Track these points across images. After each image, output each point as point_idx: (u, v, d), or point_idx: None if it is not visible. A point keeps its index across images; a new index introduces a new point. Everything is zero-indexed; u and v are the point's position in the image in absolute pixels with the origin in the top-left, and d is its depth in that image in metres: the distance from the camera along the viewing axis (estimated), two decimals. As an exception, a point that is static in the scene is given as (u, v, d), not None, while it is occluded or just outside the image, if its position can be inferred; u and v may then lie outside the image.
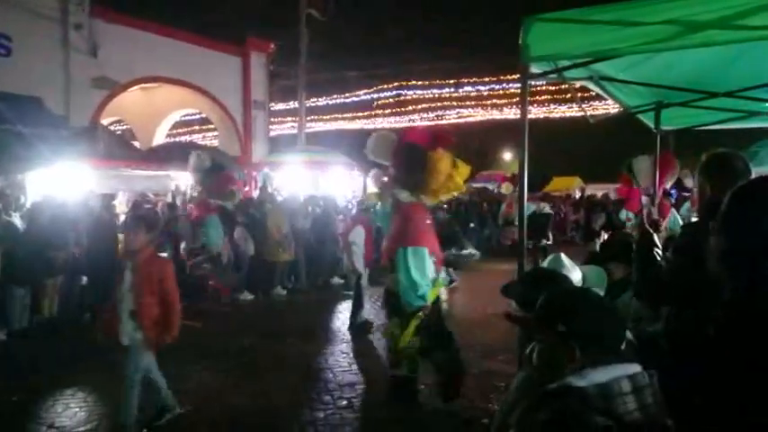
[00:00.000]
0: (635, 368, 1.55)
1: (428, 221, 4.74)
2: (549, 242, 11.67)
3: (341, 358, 6.59)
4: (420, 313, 4.41)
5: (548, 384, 1.56)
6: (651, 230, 2.67)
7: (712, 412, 2.16)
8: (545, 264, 2.52)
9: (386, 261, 4.61)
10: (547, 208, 12.13)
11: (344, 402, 5.27)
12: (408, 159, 4.59)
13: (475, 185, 21.35)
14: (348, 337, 7.53)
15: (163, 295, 4.29)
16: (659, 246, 2.60)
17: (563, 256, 2.51)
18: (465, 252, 9.56)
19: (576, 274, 2.45)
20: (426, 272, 4.37)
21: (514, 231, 16.64)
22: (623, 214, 8.06)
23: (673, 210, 7.57)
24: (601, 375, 1.49)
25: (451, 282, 9.88)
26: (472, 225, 16.12)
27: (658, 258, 2.54)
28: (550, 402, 1.49)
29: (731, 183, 2.09)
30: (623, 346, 1.61)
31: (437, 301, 4.75)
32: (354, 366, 6.34)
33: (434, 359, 4.68)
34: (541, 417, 1.49)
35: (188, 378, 5.85)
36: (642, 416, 1.46)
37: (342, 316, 8.59)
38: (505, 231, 17.22)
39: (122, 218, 10.22)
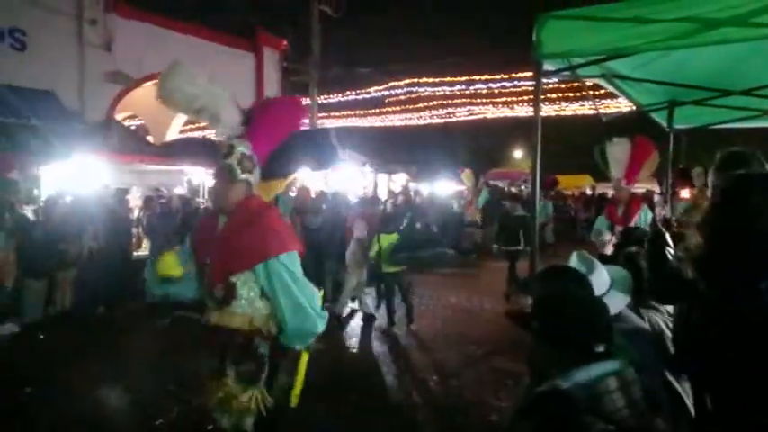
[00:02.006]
0: (621, 365, 1.56)
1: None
2: (521, 247, 9.69)
3: (349, 353, 6.62)
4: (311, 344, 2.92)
5: (538, 385, 1.57)
6: (663, 229, 2.67)
7: (717, 410, 2.17)
8: (571, 261, 2.49)
9: (221, 283, 2.77)
10: (519, 210, 10.31)
11: (354, 398, 5.30)
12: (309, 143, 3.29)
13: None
14: (356, 332, 7.56)
15: None
16: (671, 245, 2.59)
17: (586, 253, 2.50)
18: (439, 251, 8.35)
19: (603, 275, 2.42)
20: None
21: (474, 234, 15.40)
22: (601, 224, 6.27)
23: (644, 206, 6.23)
24: (585, 375, 1.50)
25: None
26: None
27: (670, 257, 2.54)
28: (540, 406, 1.50)
29: None
30: (604, 348, 1.60)
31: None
32: (364, 363, 6.37)
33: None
34: (532, 422, 1.50)
35: (194, 371, 5.89)
36: (631, 412, 1.47)
37: (349, 311, 8.61)
38: (467, 234, 15.51)
39: (136, 213, 10.33)
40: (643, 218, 6.04)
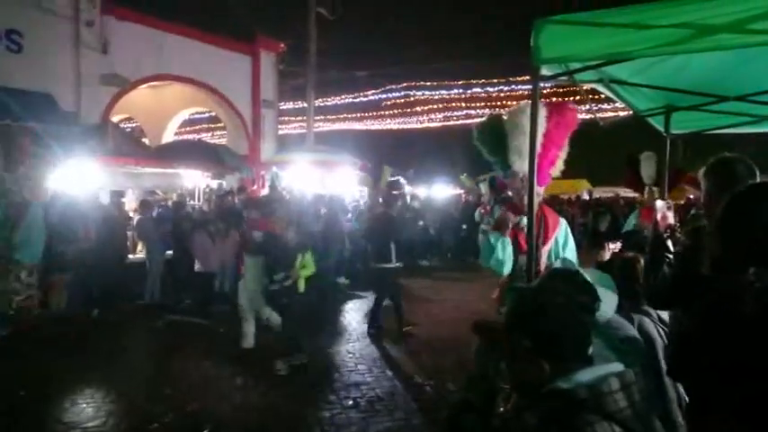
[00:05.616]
0: (620, 367, 1.55)
1: None
2: (390, 265, 7.71)
3: (347, 358, 6.60)
4: None
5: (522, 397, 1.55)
6: (664, 235, 2.67)
7: (713, 411, 2.17)
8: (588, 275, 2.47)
9: None
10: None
11: (350, 402, 5.28)
12: None
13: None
14: (353, 337, 7.54)
15: None
16: (671, 250, 2.60)
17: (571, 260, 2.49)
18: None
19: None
20: None
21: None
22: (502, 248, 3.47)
23: (563, 224, 3.87)
24: (587, 375, 1.49)
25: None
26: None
27: (668, 264, 2.55)
28: (539, 405, 1.49)
29: (732, 187, 2.11)
30: (590, 351, 1.58)
31: None
32: (360, 367, 6.35)
33: None
34: (532, 420, 1.48)
35: (193, 376, 5.88)
36: (632, 413, 1.46)
37: (348, 316, 8.60)
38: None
39: (131, 215, 10.29)
40: (561, 243, 3.78)
